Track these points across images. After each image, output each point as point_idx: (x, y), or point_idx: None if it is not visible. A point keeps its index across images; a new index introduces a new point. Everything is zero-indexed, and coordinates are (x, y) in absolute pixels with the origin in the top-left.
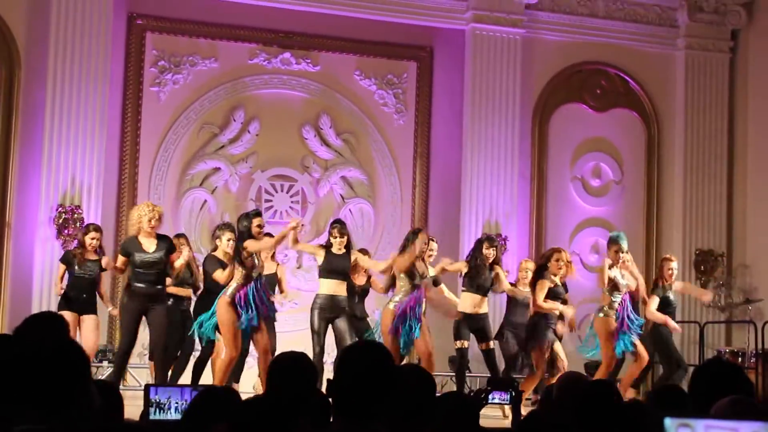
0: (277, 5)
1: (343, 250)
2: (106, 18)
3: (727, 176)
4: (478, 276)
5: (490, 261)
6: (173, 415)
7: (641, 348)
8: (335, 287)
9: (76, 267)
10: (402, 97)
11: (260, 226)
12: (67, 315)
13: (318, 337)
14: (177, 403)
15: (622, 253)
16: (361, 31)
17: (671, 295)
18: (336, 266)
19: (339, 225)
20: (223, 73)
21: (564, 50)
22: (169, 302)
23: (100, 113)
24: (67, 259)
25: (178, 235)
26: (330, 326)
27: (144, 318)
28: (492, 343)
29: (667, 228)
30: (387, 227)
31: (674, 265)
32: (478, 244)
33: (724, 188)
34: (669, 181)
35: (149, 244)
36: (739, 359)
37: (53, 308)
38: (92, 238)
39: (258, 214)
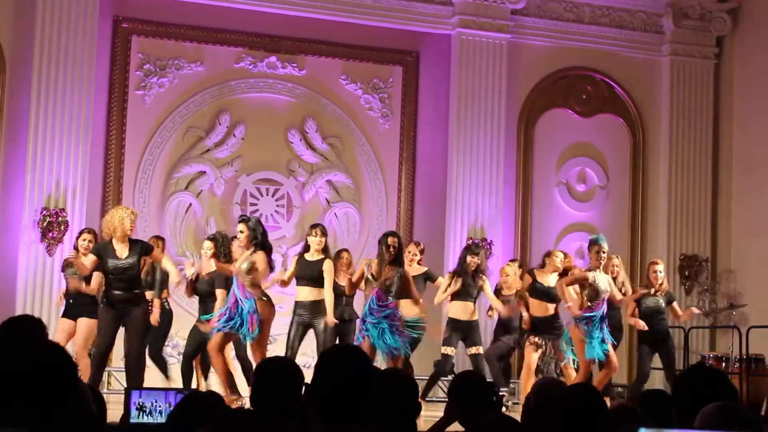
0: (263, 9)
1: (320, 254)
2: (92, 21)
3: (712, 182)
4: (463, 284)
5: (473, 269)
6: (157, 419)
7: (613, 355)
8: (306, 293)
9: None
10: (388, 102)
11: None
12: (64, 322)
13: (289, 341)
14: (161, 406)
15: (603, 253)
16: (347, 35)
17: (661, 300)
18: (304, 272)
19: (321, 226)
20: (208, 76)
21: (550, 56)
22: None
23: (85, 116)
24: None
25: (156, 237)
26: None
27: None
28: (479, 349)
29: (652, 233)
30: (372, 231)
31: (659, 267)
32: (463, 252)
33: (709, 194)
34: (654, 186)
35: (122, 250)
36: (723, 364)
37: (37, 312)
38: (83, 240)
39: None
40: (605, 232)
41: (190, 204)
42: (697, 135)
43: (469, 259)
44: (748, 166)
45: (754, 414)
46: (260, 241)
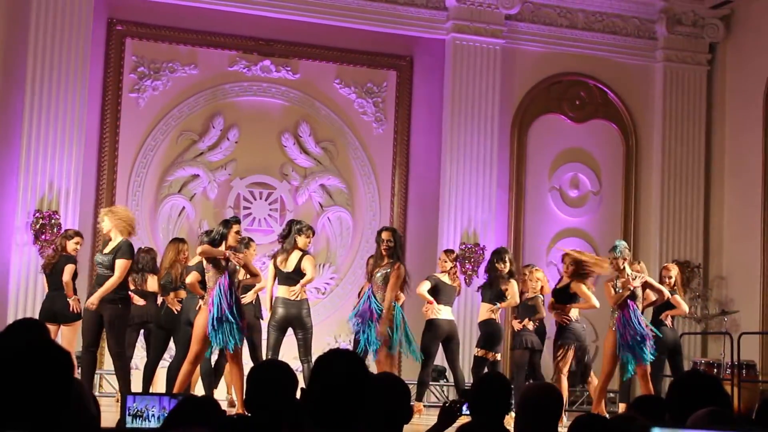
0: (257, 13)
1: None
2: (86, 23)
3: (704, 188)
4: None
5: (505, 273)
6: (151, 424)
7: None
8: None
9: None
10: (381, 106)
11: (238, 233)
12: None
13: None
14: (155, 411)
15: (615, 260)
16: (341, 39)
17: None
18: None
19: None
20: (202, 80)
21: (543, 61)
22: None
23: (78, 119)
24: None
25: (178, 240)
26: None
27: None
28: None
29: (645, 239)
30: (365, 236)
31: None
32: (491, 257)
33: (701, 200)
34: (646, 192)
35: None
36: (715, 370)
37: (29, 314)
38: (77, 243)
39: (238, 221)
40: (597, 238)
41: (183, 207)
42: (690, 141)
43: (496, 264)
44: (740, 171)
45: (744, 420)
46: None
